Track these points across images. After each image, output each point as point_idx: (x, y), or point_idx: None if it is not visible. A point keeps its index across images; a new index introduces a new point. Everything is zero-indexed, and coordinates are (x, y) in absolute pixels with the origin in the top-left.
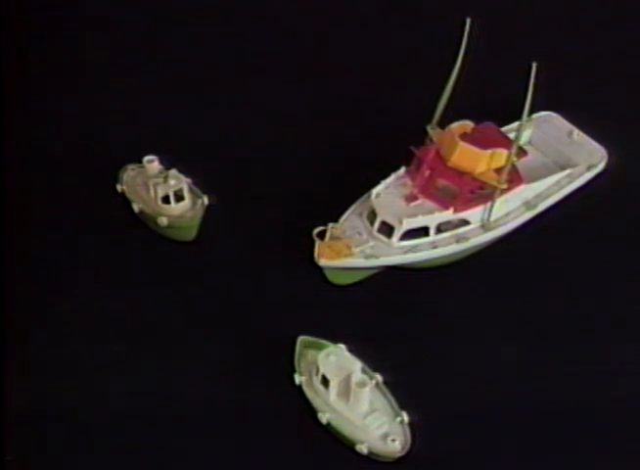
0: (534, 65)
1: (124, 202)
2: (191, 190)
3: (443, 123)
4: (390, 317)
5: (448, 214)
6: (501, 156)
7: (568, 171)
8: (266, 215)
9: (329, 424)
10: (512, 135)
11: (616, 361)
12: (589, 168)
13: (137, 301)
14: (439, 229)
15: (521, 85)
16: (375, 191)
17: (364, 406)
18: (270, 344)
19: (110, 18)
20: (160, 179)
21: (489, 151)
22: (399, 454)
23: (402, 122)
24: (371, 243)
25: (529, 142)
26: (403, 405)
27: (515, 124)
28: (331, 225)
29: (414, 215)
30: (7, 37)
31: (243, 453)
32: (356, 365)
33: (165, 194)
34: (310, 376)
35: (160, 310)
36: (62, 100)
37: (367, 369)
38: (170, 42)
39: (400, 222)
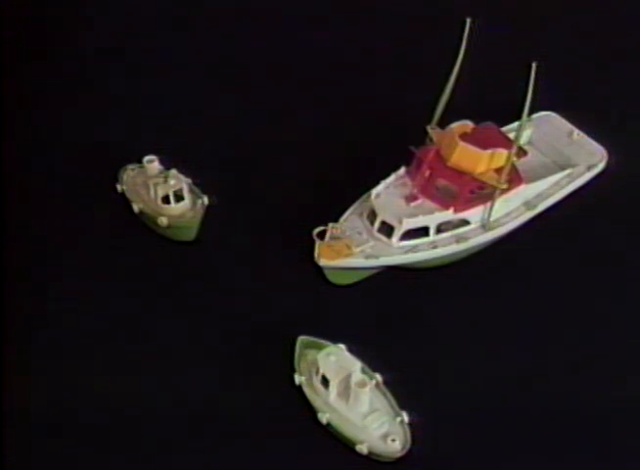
0: (534, 65)
1: (124, 202)
2: (191, 190)
3: (443, 123)
4: (390, 317)
5: (448, 214)
6: (501, 156)
7: (568, 171)
8: (266, 215)
9: (329, 424)
10: (512, 135)
11: (616, 362)
12: (589, 168)
13: (137, 301)
14: (439, 229)
15: (521, 85)
16: (375, 191)
17: (364, 406)
18: (270, 344)
19: (110, 17)
20: (160, 179)
21: (489, 151)
22: (399, 454)
23: (402, 122)
24: (371, 243)
25: (529, 142)
26: (403, 405)
27: (515, 124)
28: (331, 225)
29: (414, 215)
30: (7, 38)
31: (243, 453)
32: (356, 365)
33: (165, 194)
34: (310, 376)
35: (160, 310)
36: (62, 100)
37: (367, 369)
38: (170, 42)
39: (400, 222)
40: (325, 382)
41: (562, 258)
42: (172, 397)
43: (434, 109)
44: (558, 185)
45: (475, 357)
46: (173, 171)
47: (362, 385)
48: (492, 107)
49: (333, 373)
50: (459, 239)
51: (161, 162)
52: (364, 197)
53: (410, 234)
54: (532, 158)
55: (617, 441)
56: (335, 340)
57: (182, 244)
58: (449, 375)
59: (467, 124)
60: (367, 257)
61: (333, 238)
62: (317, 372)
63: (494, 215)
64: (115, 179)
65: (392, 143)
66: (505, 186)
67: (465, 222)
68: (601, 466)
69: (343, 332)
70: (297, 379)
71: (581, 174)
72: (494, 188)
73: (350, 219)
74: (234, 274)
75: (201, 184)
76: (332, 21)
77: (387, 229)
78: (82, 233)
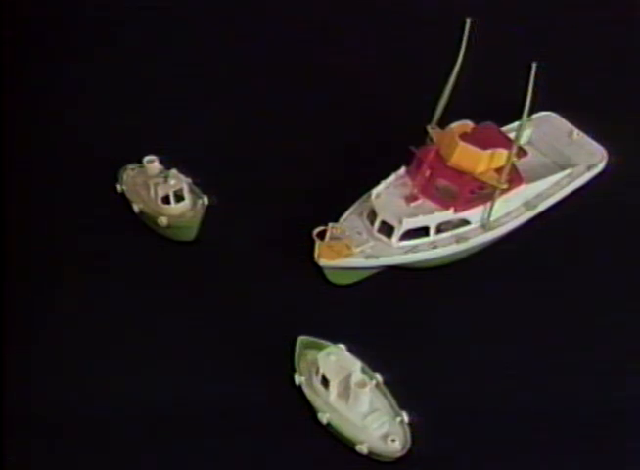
0: (534, 65)
1: (124, 202)
2: (191, 190)
3: (443, 123)
4: (390, 317)
5: (448, 214)
6: (501, 156)
7: (568, 171)
8: (266, 215)
9: (329, 424)
10: (512, 135)
11: (615, 362)
12: (589, 168)
13: (137, 301)
14: (439, 229)
15: (521, 85)
16: (375, 191)
17: (364, 406)
18: (270, 344)
19: (110, 18)
20: (161, 179)
21: (489, 151)
22: (399, 454)
23: (402, 122)
24: (371, 243)
25: (529, 142)
26: (403, 405)
27: (515, 124)
28: (331, 225)
29: (414, 215)
30: (7, 38)
31: (243, 453)
32: (356, 365)
33: (165, 194)
34: (310, 376)
35: (160, 310)
36: (62, 100)
37: (367, 369)
38: (170, 42)
39: (400, 222)
40: (325, 382)
41: (562, 258)
42: (172, 397)
43: (434, 109)
44: (558, 185)
45: (475, 357)
46: (173, 171)
47: (362, 385)
48: (492, 107)
49: (333, 373)
50: (459, 239)
51: (161, 162)
52: (364, 197)
53: (410, 234)
54: (532, 158)
55: (617, 441)
56: (335, 340)
57: (182, 244)
58: (449, 375)
59: (467, 124)
60: (367, 257)
61: (333, 238)
62: (317, 372)
63: (494, 215)
64: (115, 179)
65: (392, 143)
66: (505, 186)
67: (465, 222)
68: (601, 466)
69: (343, 332)
70: (297, 379)
71: (581, 174)
72: (494, 188)
73: (350, 219)
74: (234, 274)
75: (201, 184)
76: (332, 21)
77: (387, 229)
78: (82, 233)
